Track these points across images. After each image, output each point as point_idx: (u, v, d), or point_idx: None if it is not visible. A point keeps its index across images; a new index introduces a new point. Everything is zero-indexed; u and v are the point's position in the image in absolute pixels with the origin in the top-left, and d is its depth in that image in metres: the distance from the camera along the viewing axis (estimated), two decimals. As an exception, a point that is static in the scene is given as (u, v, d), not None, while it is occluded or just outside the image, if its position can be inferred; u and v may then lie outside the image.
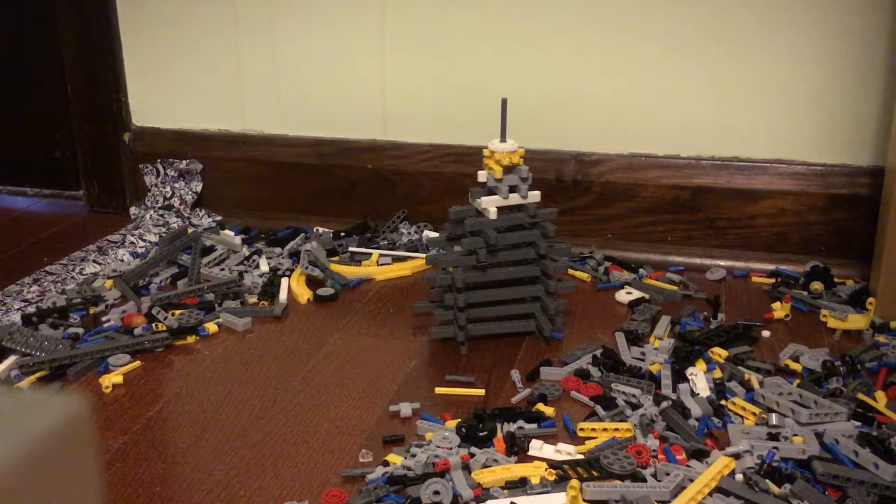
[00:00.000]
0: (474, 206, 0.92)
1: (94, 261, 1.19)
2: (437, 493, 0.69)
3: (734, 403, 0.82)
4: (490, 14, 1.19)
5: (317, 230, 1.26)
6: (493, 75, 1.21)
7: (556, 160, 1.20)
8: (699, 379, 0.86)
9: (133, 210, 1.35)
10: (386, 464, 0.74)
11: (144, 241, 1.24)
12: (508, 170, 0.91)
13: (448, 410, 0.83)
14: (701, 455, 0.74)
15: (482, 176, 0.92)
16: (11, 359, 0.90)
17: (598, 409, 0.81)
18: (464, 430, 0.77)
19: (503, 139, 0.91)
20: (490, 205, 0.90)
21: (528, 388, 0.86)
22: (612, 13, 1.15)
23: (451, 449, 0.75)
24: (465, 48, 1.22)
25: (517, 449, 0.76)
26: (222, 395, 0.87)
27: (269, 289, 1.07)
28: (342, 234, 1.23)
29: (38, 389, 0.86)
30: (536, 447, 0.76)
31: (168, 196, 1.33)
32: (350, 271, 1.14)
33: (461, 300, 0.92)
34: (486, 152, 0.92)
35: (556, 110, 1.20)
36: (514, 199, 0.91)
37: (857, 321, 0.98)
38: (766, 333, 0.97)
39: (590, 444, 0.77)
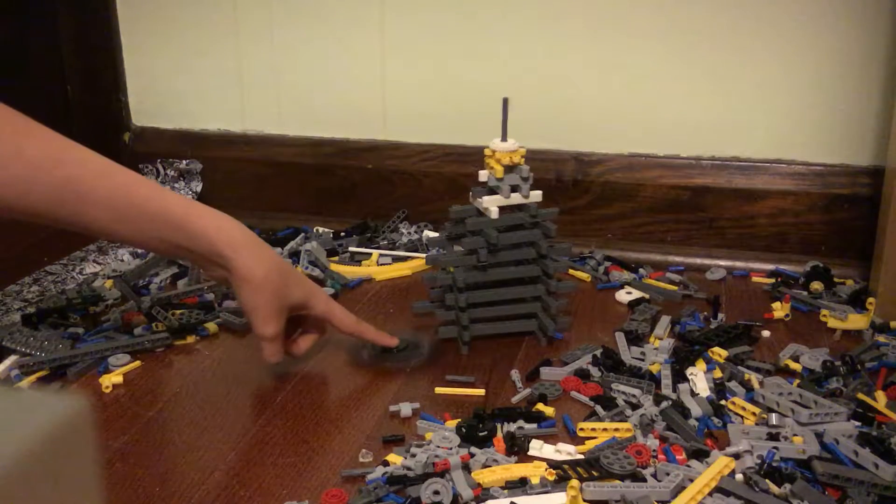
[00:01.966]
0: (475, 206, 0.92)
1: (94, 261, 1.19)
2: (437, 493, 0.69)
3: (734, 403, 0.82)
4: (490, 14, 1.19)
5: (317, 230, 1.26)
6: (493, 75, 1.21)
7: (556, 160, 1.20)
8: (699, 379, 0.86)
9: (133, 210, 1.35)
10: (386, 464, 0.74)
11: (144, 241, 1.24)
12: (509, 169, 0.91)
13: (448, 410, 0.82)
14: (701, 455, 0.74)
15: (483, 175, 0.92)
16: (11, 359, 0.90)
17: (598, 409, 0.81)
18: (464, 430, 0.77)
19: (504, 138, 0.91)
20: (492, 204, 0.90)
21: (528, 388, 0.86)
22: (613, 13, 1.15)
23: (451, 449, 0.75)
24: (465, 48, 1.22)
25: (517, 449, 0.76)
26: (222, 395, 0.87)
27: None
28: (342, 234, 1.23)
29: (38, 389, 0.86)
30: (536, 447, 0.76)
31: (168, 196, 1.33)
32: (350, 271, 1.14)
33: (462, 300, 0.91)
34: (487, 151, 0.92)
35: (556, 110, 1.20)
36: (516, 198, 0.91)
37: (857, 321, 0.98)
38: (766, 333, 0.97)
39: (590, 444, 0.77)
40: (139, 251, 1.21)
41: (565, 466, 0.72)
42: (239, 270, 0.81)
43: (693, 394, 0.84)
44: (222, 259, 0.81)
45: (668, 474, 0.71)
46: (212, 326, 0.99)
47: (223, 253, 0.81)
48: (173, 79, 1.35)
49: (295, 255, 1.18)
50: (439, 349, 0.94)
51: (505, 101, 0.90)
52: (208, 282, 1.09)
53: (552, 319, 0.94)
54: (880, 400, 0.83)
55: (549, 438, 0.77)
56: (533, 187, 0.92)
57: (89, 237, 1.27)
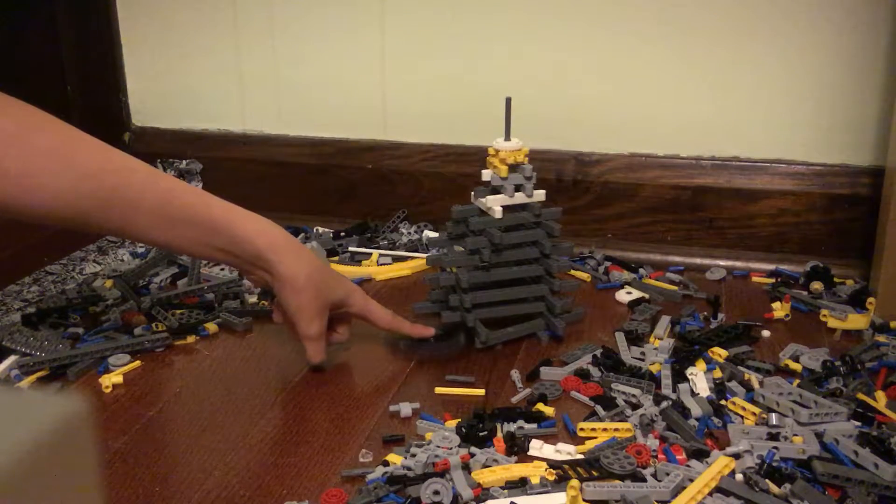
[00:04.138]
0: (477, 206, 0.92)
1: (94, 261, 1.19)
2: (437, 493, 0.69)
3: (734, 403, 0.82)
4: (490, 14, 1.19)
5: (317, 230, 1.26)
6: (493, 75, 1.21)
7: (556, 160, 1.20)
8: (699, 379, 0.86)
9: (133, 210, 1.35)
10: (386, 464, 0.74)
11: (144, 241, 1.24)
12: (513, 168, 0.91)
13: (448, 410, 0.82)
14: (701, 455, 0.74)
15: (486, 175, 0.92)
16: (11, 359, 0.90)
17: (598, 409, 0.81)
18: (464, 430, 0.77)
19: (507, 138, 0.91)
20: (496, 203, 0.90)
21: (528, 388, 0.86)
22: (613, 14, 1.15)
23: (451, 449, 0.75)
24: (465, 48, 1.22)
25: (517, 449, 0.76)
26: (222, 395, 0.87)
27: (270, 289, 1.07)
28: (342, 234, 1.23)
29: (38, 389, 0.86)
30: (536, 447, 0.76)
31: (168, 196, 1.33)
32: (350, 271, 1.14)
33: (468, 301, 0.91)
34: (490, 151, 0.91)
35: (556, 110, 1.20)
36: (520, 197, 0.91)
37: (857, 321, 0.98)
38: (766, 333, 0.97)
39: (590, 444, 0.77)
40: (139, 251, 1.21)
41: (565, 466, 0.72)
42: (282, 273, 0.83)
43: (693, 394, 0.84)
44: (265, 262, 0.83)
45: (668, 474, 0.71)
46: (212, 326, 0.99)
47: (266, 256, 0.83)
48: (173, 79, 1.35)
49: (295, 255, 1.18)
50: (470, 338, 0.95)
51: (508, 101, 0.90)
52: (208, 281, 1.09)
53: (558, 318, 0.94)
54: (880, 400, 0.83)
55: (549, 438, 0.77)
56: (535, 187, 0.92)
57: (90, 237, 1.27)
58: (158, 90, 1.37)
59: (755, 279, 1.12)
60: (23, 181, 0.74)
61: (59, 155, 0.76)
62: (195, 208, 0.81)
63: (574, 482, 0.67)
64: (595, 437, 0.78)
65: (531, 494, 0.69)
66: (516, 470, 0.73)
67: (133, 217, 0.79)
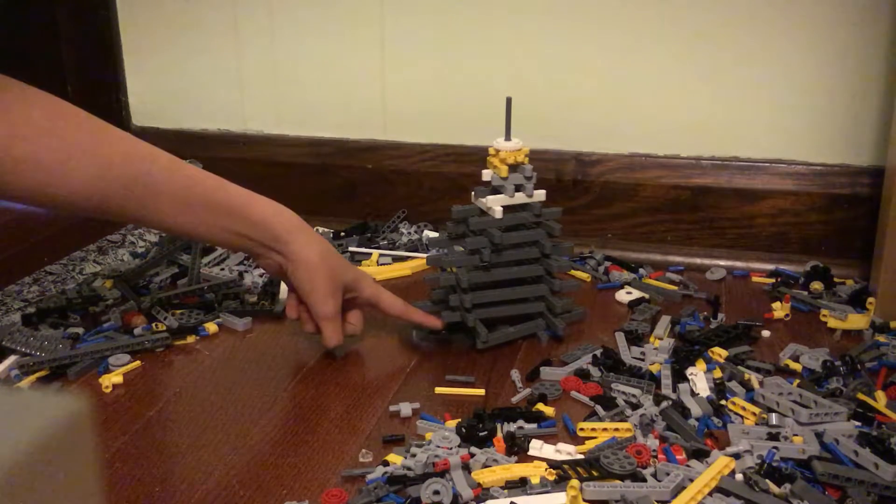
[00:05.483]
0: (477, 206, 0.92)
1: (94, 261, 1.19)
2: (437, 493, 0.69)
3: (734, 403, 0.82)
4: (490, 13, 1.19)
5: (317, 230, 1.26)
6: (493, 75, 1.21)
7: (556, 160, 1.20)
8: (699, 379, 0.86)
9: (133, 210, 1.35)
10: (386, 464, 0.74)
11: (144, 241, 1.24)
12: (513, 168, 0.91)
13: (448, 410, 0.83)
14: (701, 455, 0.74)
15: (487, 175, 0.92)
16: (11, 359, 0.90)
17: (598, 409, 0.81)
18: (464, 430, 0.77)
19: (508, 138, 0.91)
20: (496, 203, 0.90)
21: (528, 388, 0.86)
22: (612, 13, 1.15)
23: (451, 449, 0.75)
24: (465, 48, 1.22)
25: (517, 449, 0.76)
26: (222, 395, 0.87)
27: (269, 288, 1.07)
28: (342, 234, 1.23)
29: (38, 389, 0.86)
30: (536, 447, 0.76)
31: (168, 196, 1.33)
32: (350, 271, 1.14)
33: (468, 301, 0.91)
34: (491, 151, 0.91)
35: (556, 110, 1.20)
36: (520, 197, 0.91)
37: (857, 321, 0.98)
38: (766, 333, 0.97)
39: (590, 444, 0.77)
40: (139, 251, 1.21)
41: (565, 466, 0.72)
42: (297, 253, 0.86)
43: (693, 394, 0.84)
44: (280, 244, 0.86)
45: (668, 474, 0.71)
46: (212, 326, 0.99)
47: (282, 237, 0.86)
48: (173, 79, 1.35)
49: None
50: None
51: (508, 101, 0.90)
52: (208, 281, 1.09)
53: (559, 318, 0.94)
54: (880, 400, 0.83)
55: (549, 438, 0.77)
56: (535, 187, 0.92)
57: (90, 237, 1.27)
58: (158, 90, 1.37)
59: (755, 279, 1.12)
60: (55, 170, 0.77)
61: (89, 144, 0.79)
62: (215, 193, 0.84)
63: (574, 482, 0.67)
64: (595, 437, 0.78)
65: (531, 494, 0.69)
66: (516, 470, 0.73)
67: (156, 203, 0.82)
